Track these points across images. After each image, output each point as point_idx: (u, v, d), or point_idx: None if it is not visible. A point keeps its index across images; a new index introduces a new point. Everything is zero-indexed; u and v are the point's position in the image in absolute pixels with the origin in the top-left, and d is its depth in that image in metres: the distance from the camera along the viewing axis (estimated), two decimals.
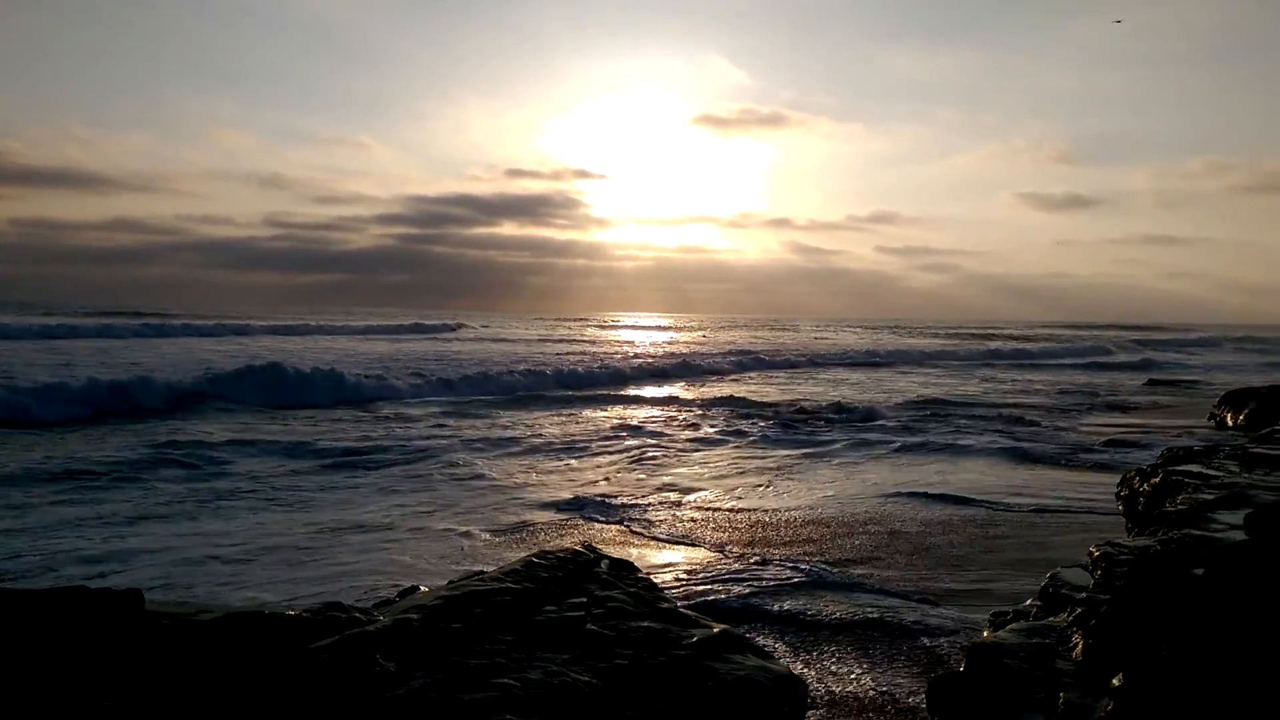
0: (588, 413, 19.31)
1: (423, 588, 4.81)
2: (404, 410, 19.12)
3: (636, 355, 38.50)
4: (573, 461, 13.11)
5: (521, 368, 28.18)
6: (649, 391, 24.98)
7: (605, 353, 41.02)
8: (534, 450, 13.88)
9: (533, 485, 11.17)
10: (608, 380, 27.85)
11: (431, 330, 64.66)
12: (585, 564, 4.78)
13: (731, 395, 22.99)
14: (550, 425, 16.93)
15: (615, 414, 19.14)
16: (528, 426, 16.66)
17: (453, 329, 70.61)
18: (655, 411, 19.61)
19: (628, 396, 23.28)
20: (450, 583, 4.59)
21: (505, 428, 16.42)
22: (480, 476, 11.63)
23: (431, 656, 3.58)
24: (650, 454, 13.74)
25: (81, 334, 41.42)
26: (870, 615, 6.30)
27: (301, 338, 47.45)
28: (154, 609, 3.71)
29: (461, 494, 10.59)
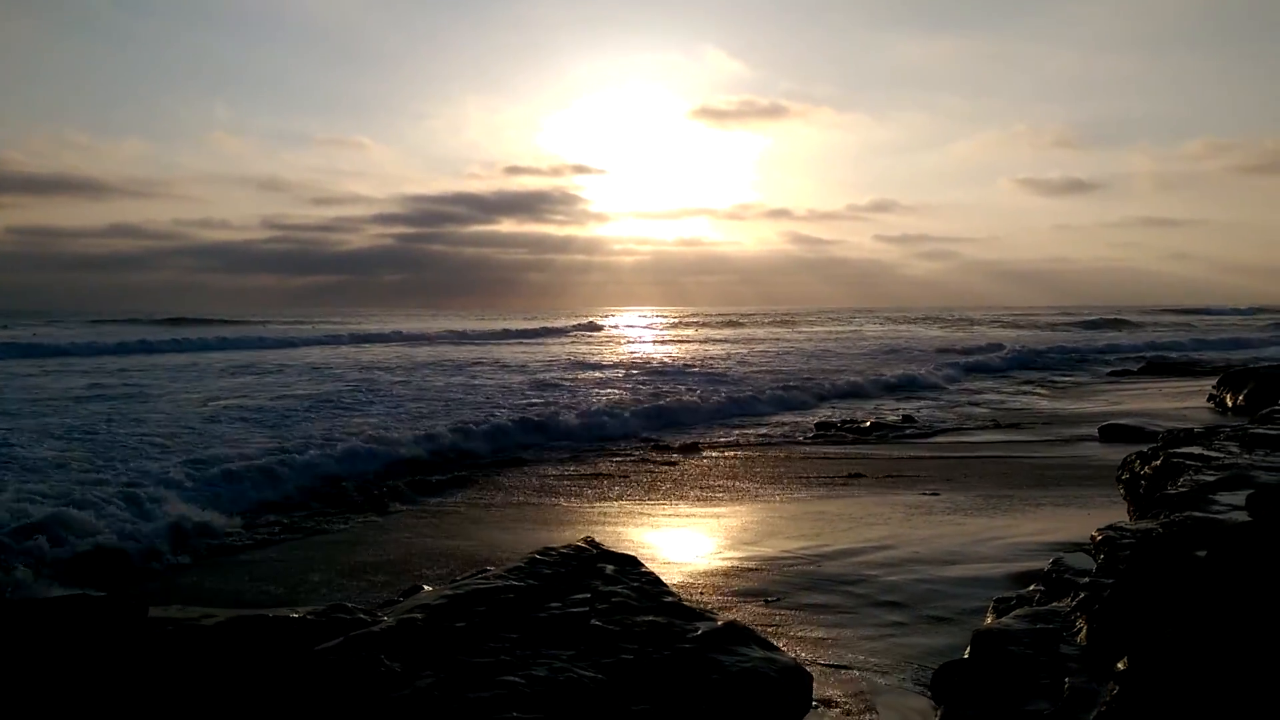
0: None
1: (426, 587, 4.82)
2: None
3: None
4: None
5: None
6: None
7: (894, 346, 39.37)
8: None
9: None
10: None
11: (567, 331, 61.07)
12: (588, 560, 4.79)
13: None
14: None
15: None
16: None
17: (600, 327, 68.81)
18: None
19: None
20: (453, 581, 4.59)
21: None
22: None
23: (437, 656, 3.58)
24: None
25: (193, 348, 36.49)
26: None
27: (444, 345, 43.06)
28: (158, 615, 3.72)
29: None
